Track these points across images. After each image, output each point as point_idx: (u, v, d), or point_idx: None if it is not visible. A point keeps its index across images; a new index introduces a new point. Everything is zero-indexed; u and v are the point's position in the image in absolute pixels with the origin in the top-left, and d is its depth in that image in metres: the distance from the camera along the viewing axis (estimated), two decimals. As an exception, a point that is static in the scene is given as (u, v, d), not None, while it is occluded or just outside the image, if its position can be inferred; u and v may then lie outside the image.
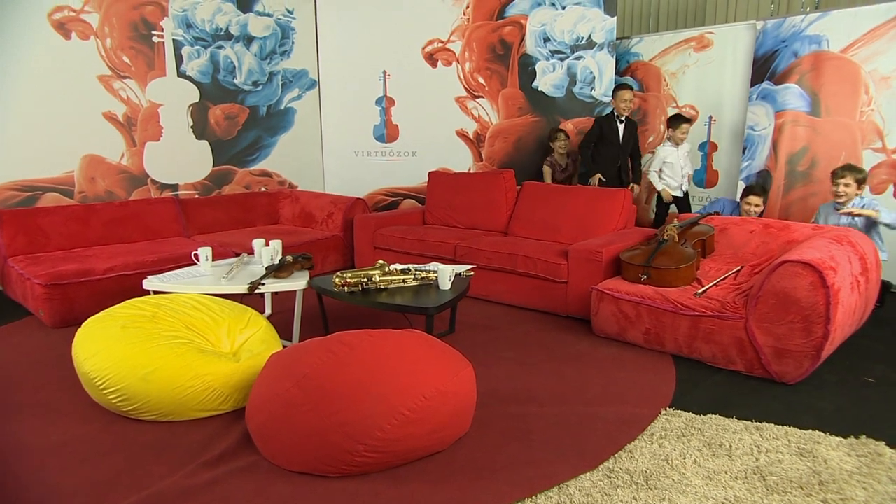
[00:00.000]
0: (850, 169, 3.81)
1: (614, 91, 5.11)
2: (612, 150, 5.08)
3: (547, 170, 5.49)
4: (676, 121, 4.90)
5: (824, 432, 2.33)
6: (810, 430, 2.34)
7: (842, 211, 3.77)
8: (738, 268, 3.44)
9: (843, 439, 2.27)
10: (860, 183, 3.78)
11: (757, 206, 4.27)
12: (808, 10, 5.59)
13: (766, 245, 3.64)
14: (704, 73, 5.45)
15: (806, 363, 2.75)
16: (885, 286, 3.83)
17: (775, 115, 4.95)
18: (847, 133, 4.54)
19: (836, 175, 3.84)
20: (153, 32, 4.83)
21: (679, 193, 5.04)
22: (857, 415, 2.51)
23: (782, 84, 4.89)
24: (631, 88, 5.11)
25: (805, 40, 4.76)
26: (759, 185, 4.48)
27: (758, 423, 2.40)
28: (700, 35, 5.47)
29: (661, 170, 4.99)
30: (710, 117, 5.46)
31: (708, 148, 5.51)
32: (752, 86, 5.08)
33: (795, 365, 2.77)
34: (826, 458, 2.14)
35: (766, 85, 4.99)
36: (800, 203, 4.80)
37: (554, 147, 5.42)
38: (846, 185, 3.77)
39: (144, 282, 3.18)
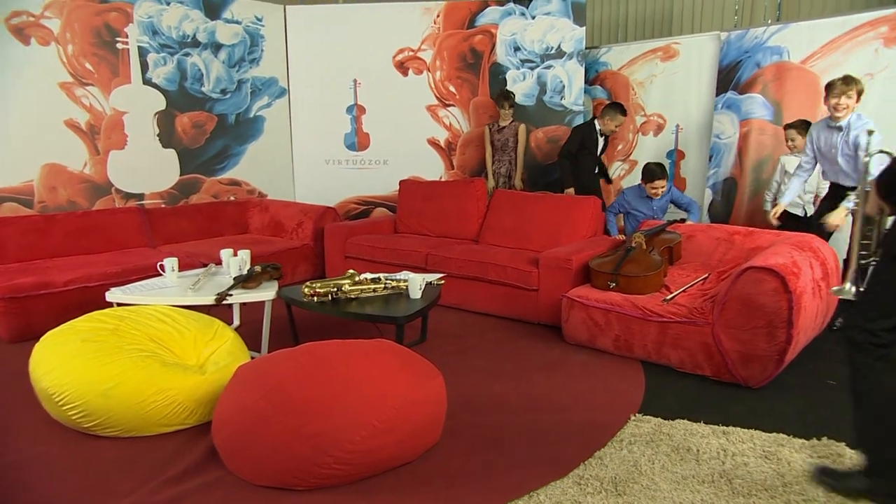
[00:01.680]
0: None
1: (609, 109, 4.89)
2: (590, 160, 5.04)
3: (486, 130, 5.47)
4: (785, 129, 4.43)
5: (788, 435, 2.37)
6: (775, 433, 2.38)
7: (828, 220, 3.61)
8: (705, 275, 3.50)
9: (805, 441, 2.31)
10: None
11: (662, 188, 4.33)
12: (769, 22, 5.74)
13: (731, 252, 3.71)
14: (671, 82, 5.55)
15: (770, 367, 2.80)
16: None
17: (740, 123, 5.06)
18: (808, 141, 4.65)
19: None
20: (117, 39, 4.74)
21: (797, 211, 4.25)
22: (820, 417, 2.56)
23: (746, 93, 5.01)
24: (625, 114, 4.96)
25: (767, 51, 4.88)
26: (656, 165, 4.37)
27: (724, 427, 2.43)
28: (666, 45, 5.58)
29: (781, 182, 4.41)
30: (678, 126, 5.56)
31: (676, 156, 5.61)
32: (717, 95, 5.19)
33: (760, 369, 2.81)
34: (790, 460, 2.17)
35: (730, 94, 5.10)
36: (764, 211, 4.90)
37: (500, 114, 5.35)
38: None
39: (107, 294, 3.11)
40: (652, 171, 4.34)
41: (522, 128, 5.34)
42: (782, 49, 4.80)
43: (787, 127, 4.34)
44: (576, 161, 4.98)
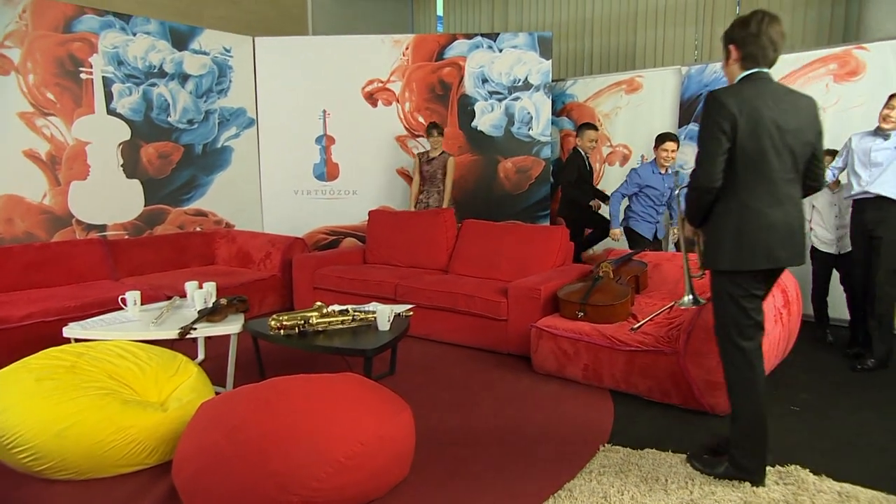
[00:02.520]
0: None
1: (580, 129, 5.15)
2: (586, 187, 5.13)
3: (416, 160, 5.50)
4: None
5: (754, 463, 2.39)
6: (741, 462, 2.40)
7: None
8: (672, 303, 3.55)
9: (770, 468, 2.33)
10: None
11: (673, 151, 4.40)
12: (726, 57, 5.95)
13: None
14: (636, 114, 5.69)
15: (736, 394, 2.83)
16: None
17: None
18: (766, 172, 4.80)
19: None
20: (81, 69, 4.68)
21: (831, 249, 3.97)
22: (784, 443, 2.59)
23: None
24: (596, 129, 5.19)
25: (725, 85, 5.04)
26: (667, 132, 4.52)
27: (692, 456, 2.44)
28: (630, 78, 5.73)
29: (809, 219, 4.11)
30: (642, 156, 5.68)
31: (640, 185, 5.73)
32: (679, 126, 5.34)
33: (726, 397, 2.84)
34: (755, 488, 2.19)
35: (692, 126, 5.25)
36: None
37: (429, 142, 5.37)
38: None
39: (65, 329, 3.01)
40: (662, 136, 4.43)
41: (451, 160, 5.35)
42: (740, 83, 4.97)
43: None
44: (577, 189, 5.07)
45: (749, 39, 2.19)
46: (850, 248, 3.82)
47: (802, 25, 5.75)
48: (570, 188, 5.13)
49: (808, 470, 2.31)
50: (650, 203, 4.54)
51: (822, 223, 4.01)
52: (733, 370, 2.26)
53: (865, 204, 3.53)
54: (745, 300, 2.19)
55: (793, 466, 2.34)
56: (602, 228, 5.10)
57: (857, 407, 3.01)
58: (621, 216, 4.72)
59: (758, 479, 2.22)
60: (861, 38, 4.89)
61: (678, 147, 4.48)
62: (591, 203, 5.15)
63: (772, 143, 2.12)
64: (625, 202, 4.72)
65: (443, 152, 5.38)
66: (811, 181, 2.29)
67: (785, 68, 4.73)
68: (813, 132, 2.22)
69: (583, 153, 5.13)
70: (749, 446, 2.23)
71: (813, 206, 4.05)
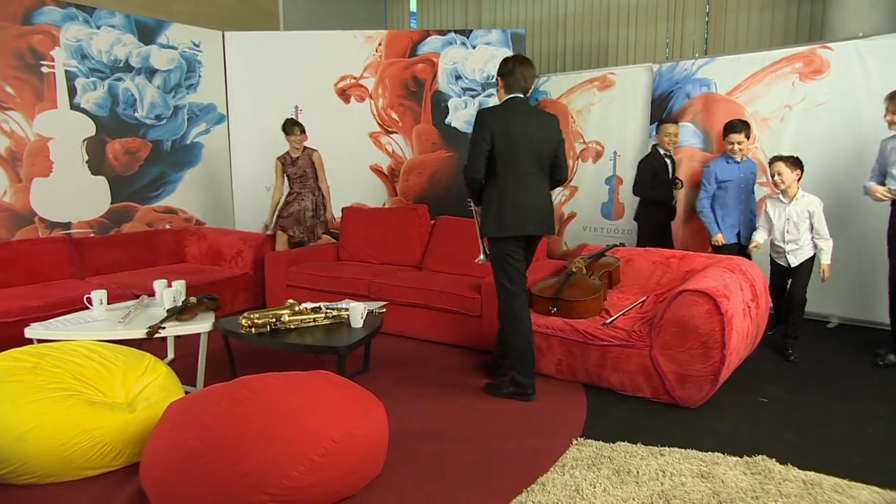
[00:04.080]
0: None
1: (658, 126, 4.80)
2: (666, 190, 4.76)
3: (278, 164, 5.06)
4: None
5: (723, 453, 2.43)
6: (710, 452, 2.44)
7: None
8: (643, 298, 3.59)
9: (739, 459, 2.38)
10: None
11: (740, 144, 4.09)
12: (697, 55, 6.05)
13: (668, 275, 3.82)
14: (608, 110, 5.73)
15: (706, 387, 2.88)
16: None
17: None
18: (735, 168, 4.87)
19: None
20: (42, 62, 4.55)
21: (782, 261, 3.84)
22: (752, 434, 2.65)
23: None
24: (676, 122, 4.81)
25: (696, 83, 5.12)
26: (739, 120, 4.17)
27: (662, 448, 2.48)
28: (603, 75, 5.77)
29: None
30: (615, 153, 5.74)
31: (614, 182, 5.78)
32: (651, 123, 5.39)
33: (696, 389, 2.89)
34: (724, 478, 2.23)
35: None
36: (698, 234, 5.08)
37: (289, 141, 5.00)
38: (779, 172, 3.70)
39: (27, 330, 2.93)
40: (731, 125, 4.11)
41: (317, 155, 5.04)
42: (710, 81, 5.05)
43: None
44: (654, 190, 4.67)
45: (508, 74, 2.97)
46: (800, 262, 3.74)
47: (770, 25, 5.87)
48: (643, 191, 4.73)
49: (774, 460, 2.36)
50: (725, 201, 4.20)
51: (775, 232, 3.85)
52: (506, 308, 3.03)
53: None
54: (510, 258, 3.00)
55: (760, 457, 2.39)
56: None
57: (822, 397, 3.09)
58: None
59: (531, 394, 3.00)
60: (825, 38, 5.00)
61: (749, 136, 4.15)
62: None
63: (522, 148, 2.90)
64: None
65: (305, 148, 5.02)
66: (556, 176, 3.08)
67: (752, 67, 4.81)
68: (554, 141, 3.01)
69: (662, 151, 4.72)
70: (522, 368, 2.99)
71: (766, 212, 3.92)
